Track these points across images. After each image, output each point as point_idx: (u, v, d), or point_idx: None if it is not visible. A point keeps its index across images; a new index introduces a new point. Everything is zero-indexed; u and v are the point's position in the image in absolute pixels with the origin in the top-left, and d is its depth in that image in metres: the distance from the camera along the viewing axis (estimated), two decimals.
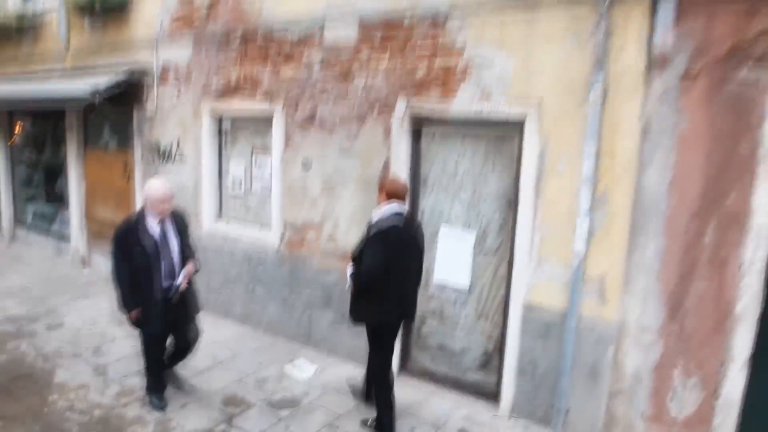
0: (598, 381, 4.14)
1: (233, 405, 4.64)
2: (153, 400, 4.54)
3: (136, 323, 4.31)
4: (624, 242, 3.95)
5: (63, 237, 9.16)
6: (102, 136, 8.27)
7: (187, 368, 4.91)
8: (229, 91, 6.19)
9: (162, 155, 7.04)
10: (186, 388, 4.79)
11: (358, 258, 4.00)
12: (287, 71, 5.63)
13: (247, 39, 5.93)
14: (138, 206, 7.12)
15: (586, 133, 3.93)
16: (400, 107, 4.87)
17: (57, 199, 9.50)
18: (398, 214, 4.00)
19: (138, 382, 4.84)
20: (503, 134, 4.52)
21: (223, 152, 6.58)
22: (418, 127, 4.93)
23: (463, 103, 4.51)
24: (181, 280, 4.29)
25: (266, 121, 5.95)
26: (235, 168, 6.49)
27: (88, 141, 8.45)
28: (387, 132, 4.99)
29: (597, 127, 3.89)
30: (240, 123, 6.37)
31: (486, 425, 4.49)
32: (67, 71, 8.07)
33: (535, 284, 4.34)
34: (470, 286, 4.78)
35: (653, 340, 3.94)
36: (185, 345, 4.57)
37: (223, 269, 6.48)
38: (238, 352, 5.66)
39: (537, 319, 4.35)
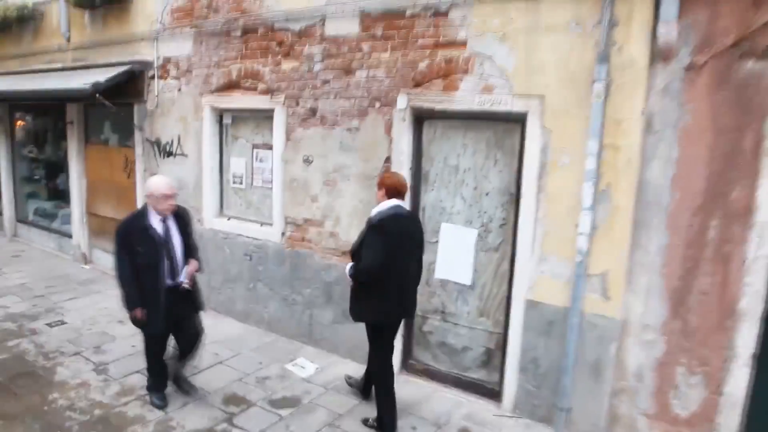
0: (600, 379, 4.10)
1: (234, 404, 4.62)
2: (154, 399, 4.52)
3: (138, 322, 4.27)
4: (627, 238, 3.90)
5: (64, 234, 9.14)
6: (103, 131, 8.25)
7: (187, 367, 4.88)
8: (230, 85, 6.14)
9: (163, 151, 7.01)
10: (191, 391, 4.70)
11: (356, 255, 3.97)
12: (288, 65, 5.58)
13: (248, 32, 5.88)
14: (139, 202, 7.12)
15: (589, 128, 3.88)
16: (402, 101, 4.82)
17: (58, 195, 9.51)
18: (398, 212, 3.96)
19: (139, 380, 4.83)
20: (505, 128, 4.47)
21: (224, 148, 6.53)
22: (420, 121, 4.88)
23: (465, 96, 4.46)
24: (184, 278, 4.27)
25: (267, 116, 5.91)
26: (236, 164, 6.45)
27: (89, 137, 8.44)
28: (388, 126, 4.95)
29: (600, 121, 3.84)
30: (241, 118, 6.32)
31: (488, 424, 4.45)
32: (67, 65, 8.04)
33: (537, 281, 4.29)
34: (472, 282, 4.74)
35: (656, 337, 3.90)
36: (189, 343, 4.52)
37: (224, 267, 6.45)
38: (238, 350, 5.64)
39: (539, 316, 4.31)
